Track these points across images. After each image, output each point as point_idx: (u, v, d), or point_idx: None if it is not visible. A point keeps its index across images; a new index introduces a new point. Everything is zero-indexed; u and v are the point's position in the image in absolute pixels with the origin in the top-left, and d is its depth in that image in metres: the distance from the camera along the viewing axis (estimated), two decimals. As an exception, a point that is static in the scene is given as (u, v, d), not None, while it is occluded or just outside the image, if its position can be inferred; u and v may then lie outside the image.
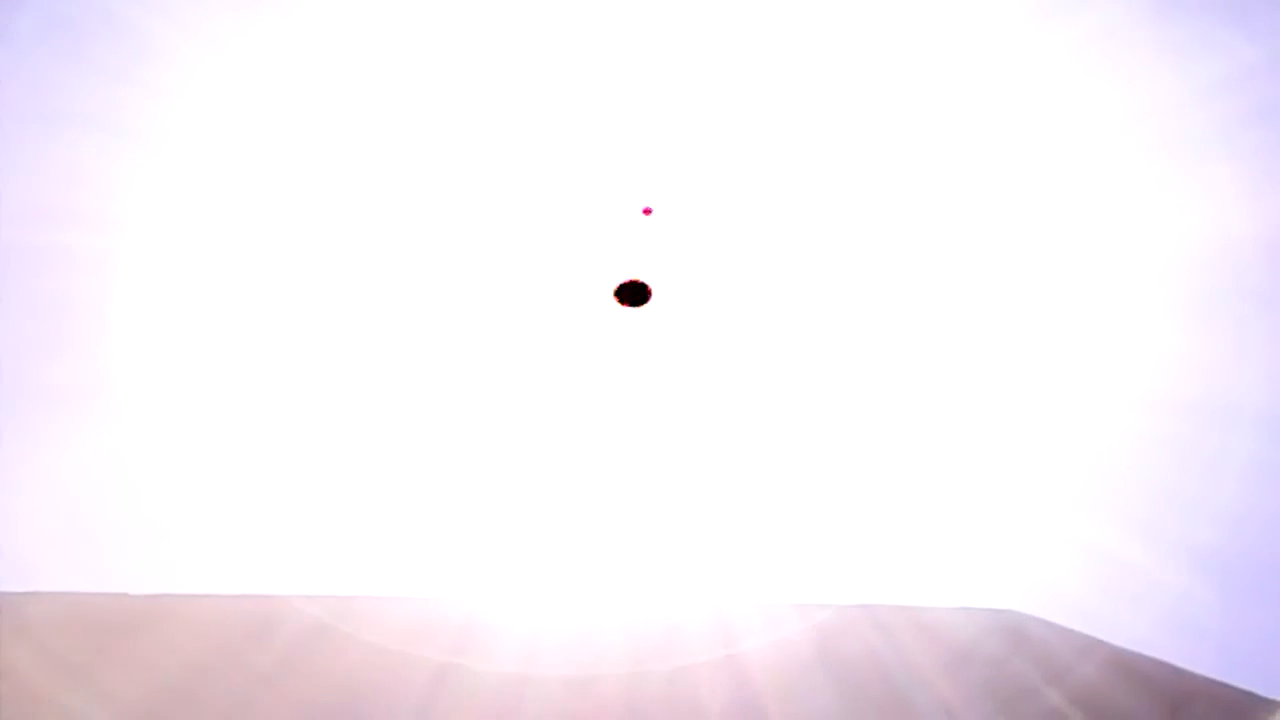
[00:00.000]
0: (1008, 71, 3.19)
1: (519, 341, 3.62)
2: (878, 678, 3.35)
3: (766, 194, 3.48)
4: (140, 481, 3.55)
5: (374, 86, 3.23)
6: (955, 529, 3.61)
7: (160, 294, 3.42)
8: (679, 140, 3.40)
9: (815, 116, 3.35)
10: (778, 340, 3.61)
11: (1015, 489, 3.57)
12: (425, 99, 3.27)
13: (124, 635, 3.38)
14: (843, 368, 3.60)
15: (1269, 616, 3.29)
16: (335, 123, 3.28)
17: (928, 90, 3.27)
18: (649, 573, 3.66)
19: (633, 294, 3.57)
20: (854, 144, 3.37)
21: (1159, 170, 3.25)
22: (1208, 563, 3.33)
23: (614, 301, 3.58)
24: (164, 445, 3.56)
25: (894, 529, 3.64)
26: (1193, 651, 3.24)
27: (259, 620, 3.46)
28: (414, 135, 3.32)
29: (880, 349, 3.58)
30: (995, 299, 3.46)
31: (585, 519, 3.71)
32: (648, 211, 3.50)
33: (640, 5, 3.16)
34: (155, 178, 3.28)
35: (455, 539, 3.70)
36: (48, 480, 3.41)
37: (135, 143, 3.20)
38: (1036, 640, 3.34)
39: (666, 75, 3.30)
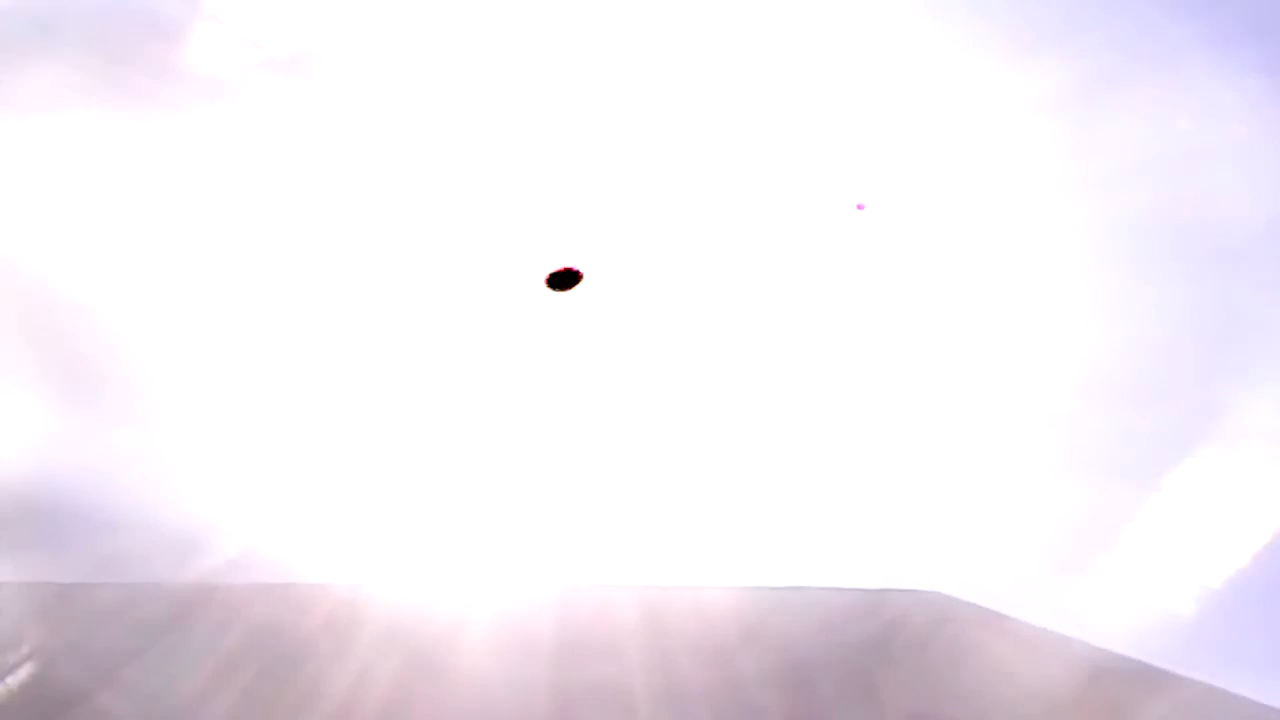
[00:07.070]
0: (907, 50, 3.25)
1: (449, 325, 3.67)
2: (804, 658, 3.32)
3: (697, 180, 3.54)
4: (88, 466, 3.60)
5: (314, 67, 3.33)
6: (878, 510, 3.60)
7: (116, 276, 3.51)
8: (613, 129, 3.47)
9: (747, 100, 3.42)
10: (697, 325, 3.65)
11: (938, 469, 3.56)
12: (363, 82, 3.37)
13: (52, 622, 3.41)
14: (762, 350, 3.63)
15: (1188, 594, 3.26)
16: (277, 103, 3.38)
17: (854, 68, 3.33)
18: (572, 553, 3.66)
19: (563, 280, 3.62)
20: (785, 128, 3.44)
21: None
22: (1132, 541, 3.31)
23: (545, 287, 3.63)
24: (110, 426, 3.62)
25: (816, 510, 3.63)
26: (1111, 629, 3.21)
27: (186, 607, 3.49)
28: (354, 118, 3.42)
29: (802, 330, 3.61)
30: (915, 277, 3.49)
31: (507, 500, 3.73)
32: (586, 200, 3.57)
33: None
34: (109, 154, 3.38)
35: (389, 525, 3.73)
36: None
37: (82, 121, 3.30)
38: (958, 620, 3.31)
39: (602, 62, 3.38)
